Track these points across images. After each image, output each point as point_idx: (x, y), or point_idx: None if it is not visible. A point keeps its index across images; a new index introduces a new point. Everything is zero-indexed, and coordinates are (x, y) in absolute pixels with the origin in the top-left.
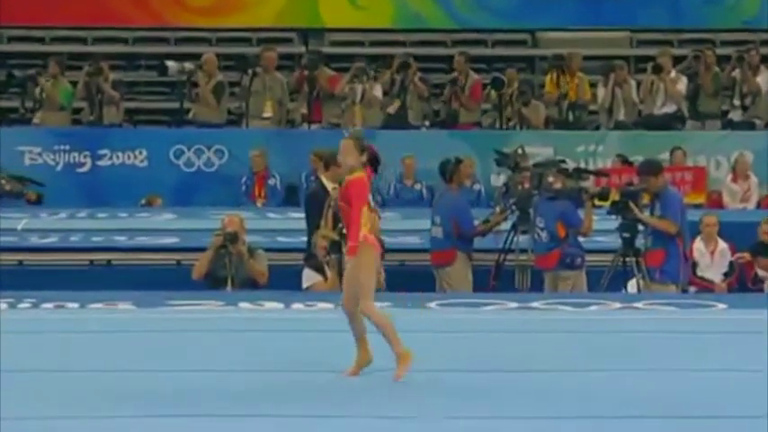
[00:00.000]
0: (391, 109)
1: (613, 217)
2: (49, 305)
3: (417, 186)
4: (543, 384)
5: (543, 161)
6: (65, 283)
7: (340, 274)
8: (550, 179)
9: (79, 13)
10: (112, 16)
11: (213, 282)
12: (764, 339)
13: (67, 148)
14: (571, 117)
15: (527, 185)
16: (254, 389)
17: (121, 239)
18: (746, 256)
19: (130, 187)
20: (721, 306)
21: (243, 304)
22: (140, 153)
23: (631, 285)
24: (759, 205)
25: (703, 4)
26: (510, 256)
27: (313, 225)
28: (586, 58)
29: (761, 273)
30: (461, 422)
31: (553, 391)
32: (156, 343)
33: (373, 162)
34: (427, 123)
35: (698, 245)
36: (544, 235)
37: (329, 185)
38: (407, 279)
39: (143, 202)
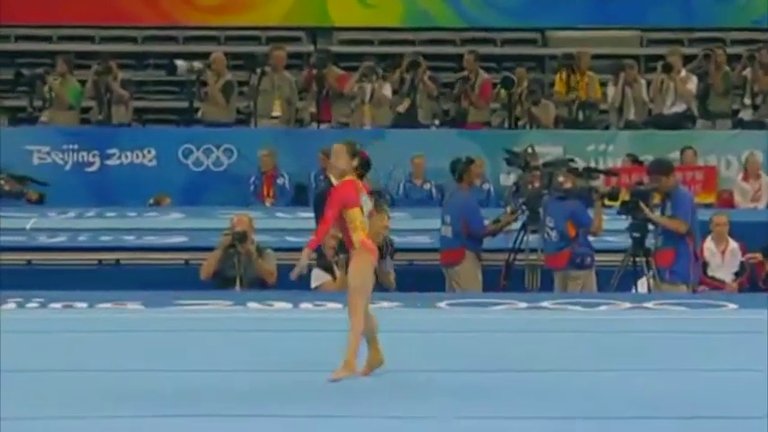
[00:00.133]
0: (401, 108)
1: (623, 217)
2: (58, 305)
3: (427, 186)
4: (553, 384)
5: (553, 160)
6: (73, 282)
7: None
8: (560, 179)
9: (88, 12)
10: (121, 15)
11: (222, 281)
12: (764, 339)
13: (76, 147)
14: (581, 116)
15: (537, 185)
16: (262, 389)
17: (130, 239)
18: (758, 255)
19: (139, 187)
20: (732, 306)
21: (251, 304)
22: (149, 152)
23: (641, 285)
24: None
25: (714, 3)
26: (520, 256)
27: None
28: (596, 57)
29: None
30: (472, 422)
31: (563, 391)
32: (164, 343)
33: (364, 167)
34: (437, 122)
35: (708, 244)
36: (554, 234)
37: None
38: (417, 279)
39: (151, 201)
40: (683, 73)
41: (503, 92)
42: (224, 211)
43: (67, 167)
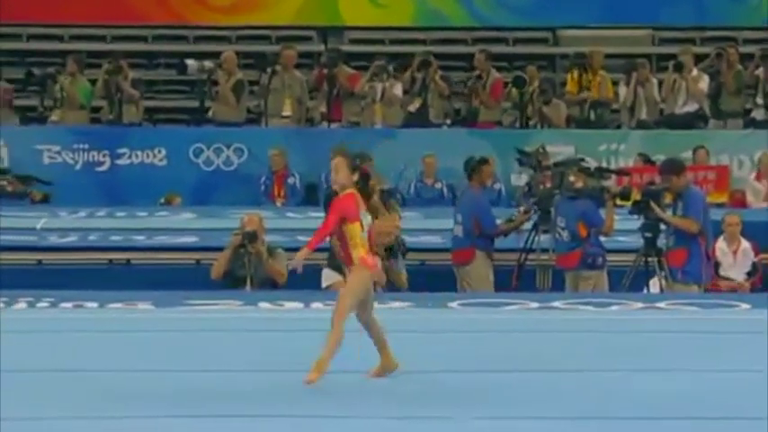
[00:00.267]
0: (412, 107)
1: (635, 216)
2: (68, 305)
3: (438, 185)
4: (566, 385)
5: (564, 160)
6: (83, 282)
7: None
8: (572, 178)
9: (98, 11)
10: (132, 14)
11: (232, 281)
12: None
13: (86, 146)
14: (593, 116)
15: (548, 185)
16: (274, 389)
17: (140, 239)
18: None
19: (149, 186)
20: (744, 306)
21: (262, 304)
22: (159, 152)
23: (653, 285)
24: None
25: (726, 2)
26: (531, 256)
27: None
28: (608, 56)
29: None
30: (488, 423)
31: (576, 391)
32: (174, 343)
33: (364, 183)
34: (448, 122)
35: (720, 244)
36: (565, 234)
37: None
38: (429, 278)
39: (162, 201)
40: (695, 72)
41: (514, 91)
42: (235, 210)
43: (78, 167)
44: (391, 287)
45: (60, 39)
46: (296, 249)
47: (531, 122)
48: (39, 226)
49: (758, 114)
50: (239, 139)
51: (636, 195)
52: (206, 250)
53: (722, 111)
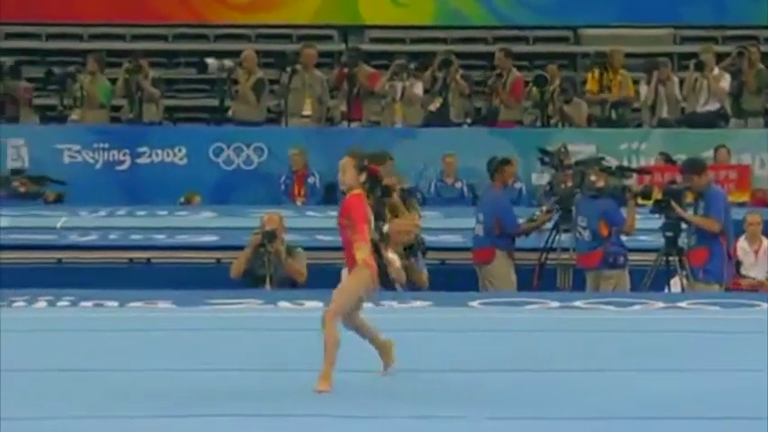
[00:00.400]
0: (433, 107)
1: (656, 216)
2: (88, 303)
3: (458, 185)
4: (584, 384)
5: (585, 159)
6: (104, 281)
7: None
8: (593, 177)
9: (119, 10)
10: (152, 13)
11: (252, 280)
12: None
13: (107, 146)
14: (614, 115)
15: (569, 184)
16: (292, 388)
17: (161, 238)
18: None
19: (169, 185)
20: (766, 305)
21: (282, 303)
22: (180, 151)
23: (674, 284)
24: None
25: (748, 1)
26: (552, 256)
27: None
28: (629, 55)
29: None
30: (503, 423)
31: (595, 391)
32: (195, 342)
33: (373, 184)
34: (468, 121)
35: (742, 244)
36: (586, 234)
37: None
38: (449, 278)
39: (182, 200)
40: (717, 71)
41: (535, 90)
42: (254, 209)
43: (98, 166)
44: (412, 286)
45: (80, 38)
46: (315, 249)
47: (551, 121)
48: (59, 225)
49: None
50: (259, 138)
51: (657, 194)
52: (226, 249)
53: (743, 110)
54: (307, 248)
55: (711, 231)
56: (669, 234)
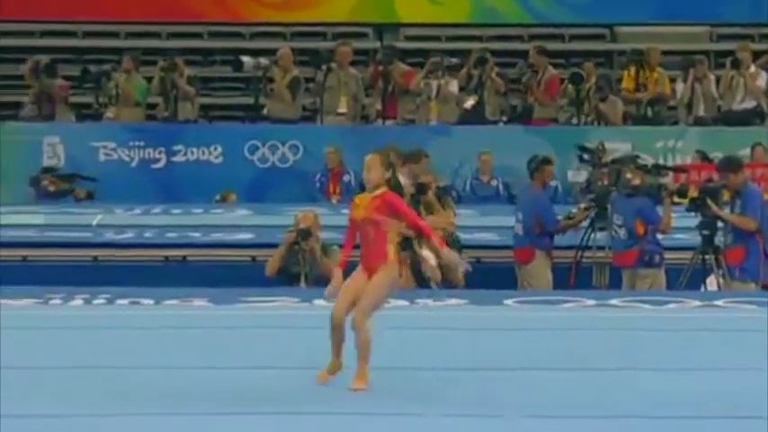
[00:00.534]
0: (468, 104)
1: (692, 214)
2: (124, 301)
3: (494, 182)
4: (620, 383)
5: (620, 157)
6: (140, 279)
7: (412, 271)
8: (628, 175)
9: (154, 9)
10: (188, 11)
11: (287, 278)
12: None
13: (142, 143)
14: (650, 113)
15: (605, 182)
16: (328, 386)
17: (196, 236)
18: None
19: (205, 183)
20: None
21: (318, 301)
22: (215, 149)
23: (711, 283)
24: None
25: None
26: (587, 254)
27: None
28: (665, 53)
29: None
30: (539, 421)
31: (631, 390)
32: (230, 340)
33: (397, 181)
34: (504, 119)
35: None
36: (622, 232)
37: (405, 181)
38: (485, 276)
39: (217, 198)
40: (753, 69)
41: (570, 88)
42: (290, 207)
43: (133, 164)
44: (447, 284)
45: (116, 36)
46: None
47: (587, 119)
48: (94, 223)
49: None
50: (294, 136)
51: (693, 193)
52: (262, 247)
53: None
54: (341, 246)
55: (748, 230)
56: (705, 232)
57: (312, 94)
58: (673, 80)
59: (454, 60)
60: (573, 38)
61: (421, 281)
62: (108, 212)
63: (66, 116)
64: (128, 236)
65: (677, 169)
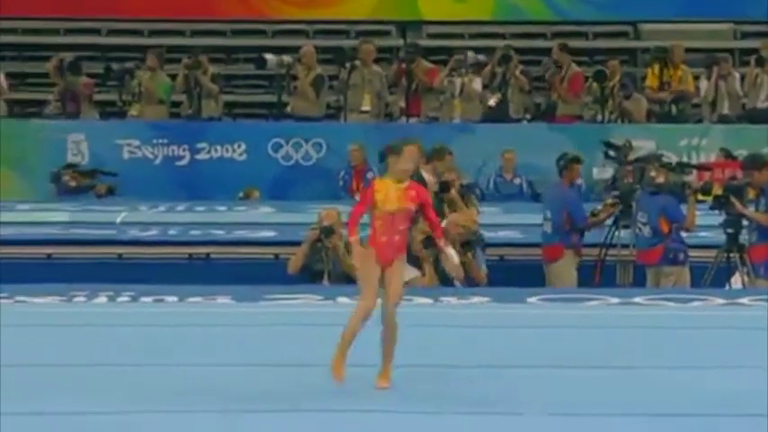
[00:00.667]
0: (492, 102)
1: (716, 212)
2: (148, 299)
3: (517, 180)
4: (643, 381)
5: (644, 155)
6: (163, 276)
7: (436, 269)
8: (652, 173)
9: (178, 7)
10: (211, 9)
11: (310, 276)
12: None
13: (166, 141)
14: (674, 110)
15: (630, 179)
16: (353, 384)
17: (220, 233)
18: None
19: (228, 181)
20: None
21: (341, 299)
22: (239, 146)
23: (735, 281)
24: None
25: None
26: (612, 252)
27: None
28: (689, 50)
29: None
30: (561, 419)
31: (653, 387)
32: (253, 338)
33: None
34: (528, 117)
35: None
36: (646, 230)
37: (428, 179)
38: (508, 274)
39: (241, 195)
40: None
41: (594, 85)
42: (313, 205)
43: (157, 161)
44: (470, 282)
45: (140, 34)
46: None
47: (611, 117)
48: (118, 220)
49: None
50: (318, 133)
51: (717, 190)
52: (285, 245)
53: None
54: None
55: None
56: (730, 230)
57: (336, 92)
58: (696, 78)
59: (481, 57)
60: (596, 35)
61: (444, 279)
62: (132, 210)
63: (91, 114)
64: (152, 233)
65: (701, 167)
